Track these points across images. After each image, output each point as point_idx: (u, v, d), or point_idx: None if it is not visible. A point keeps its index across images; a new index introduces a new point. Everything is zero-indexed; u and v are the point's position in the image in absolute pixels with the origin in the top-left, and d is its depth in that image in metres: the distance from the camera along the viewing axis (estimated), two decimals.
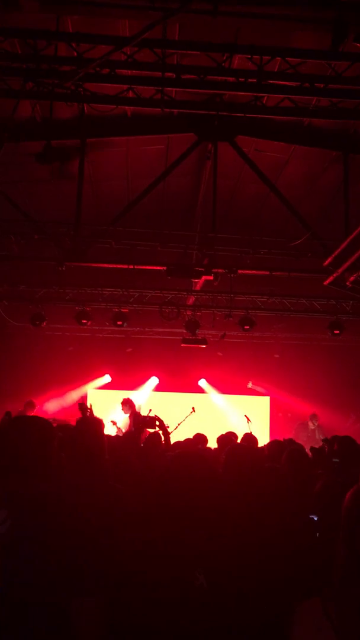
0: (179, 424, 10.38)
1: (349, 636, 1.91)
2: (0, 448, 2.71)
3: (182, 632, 2.82)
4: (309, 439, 12.30)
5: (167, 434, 6.14)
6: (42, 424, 2.80)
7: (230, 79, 6.14)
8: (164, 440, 5.92)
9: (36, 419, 2.83)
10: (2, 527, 2.39)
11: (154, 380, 15.28)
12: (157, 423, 6.30)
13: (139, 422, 6.57)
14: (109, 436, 6.08)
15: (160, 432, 6.11)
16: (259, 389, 15.52)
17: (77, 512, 2.74)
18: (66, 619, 2.48)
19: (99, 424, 3.73)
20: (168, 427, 6.21)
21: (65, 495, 2.78)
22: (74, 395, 14.66)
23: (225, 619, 2.93)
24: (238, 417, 10.92)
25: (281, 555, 3.22)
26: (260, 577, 3.08)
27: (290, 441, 7.19)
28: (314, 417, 13.74)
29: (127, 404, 11.74)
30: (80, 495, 3.01)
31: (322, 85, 6.04)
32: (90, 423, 3.75)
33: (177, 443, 6.79)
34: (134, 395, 14.87)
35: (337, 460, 6.61)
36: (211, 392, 15.33)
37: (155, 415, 6.67)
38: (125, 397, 12.06)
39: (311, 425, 13.48)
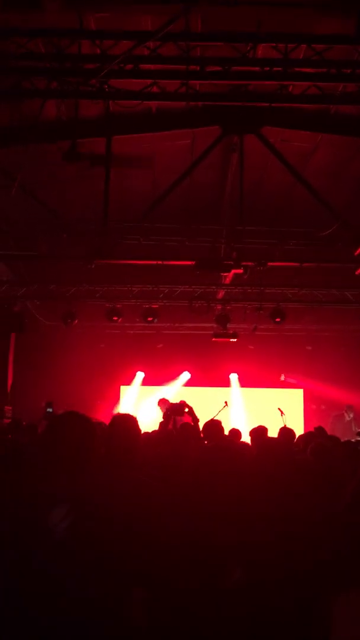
0: (212, 419, 10.37)
1: None
2: (46, 443, 2.73)
3: (221, 623, 2.82)
4: (345, 431, 12.14)
5: (196, 420, 6.13)
6: (85, 420, 2.82)
7: (255, 68, 6.07)
8: (194, 426, 5.92)
9: (79, 414, 2.84)
10: (64, 523, 2.43)
11: (185, 376, 15.28)
12: (186, 410, 6.30)
13: (167, 409, 6.58)
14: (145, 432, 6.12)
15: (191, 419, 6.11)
16: (292, 381, 15.40)
17: (123, 508, 2.76)
18: (126, 608, 2.52)
19: (134, 420, 3.75)
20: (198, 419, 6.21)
21: (107, 491, 2.80)
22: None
23: (263, 611, 2.92)
24: (271, 411, 10.83)
25: (314, 548, 3.19)
26: (294, 569, 3.06)
27: (320, 429, 7.09)
28: (349, 408, 13.53)
29: (164, 404, 11.72)
30: (117, 490, 3.03)
31: (349, 71, 5.92)
32: (125, 419, 3.76)
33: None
34: (166, 391, 14.94)
35: None
36: (243, 387, 15.25)
37: (182, 401, 6.65)
38: (161, 398, 12.03)
39: (347, 417, 13.30)
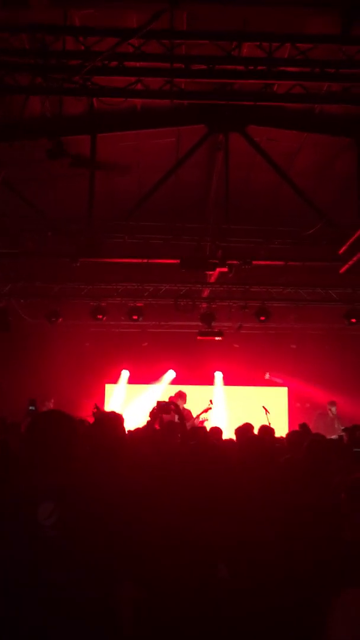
0: (197, 417, 10.40)
1: None
2: (30, 441, 2.73)
3: (207, 620, 2.83)
4: (329, 428, 12.16)
5: (182, 418, 6.12)
6: (68, 418, 2.82)
7: (240, 67, 6.08)
8: (180, 424, 5.92)
9: (62, 413, 2.84)
10: (50, 519, 2.43)
11: (171, 374, 15.28)
12: (172, 407, 6.28)
13: (154, 408, 6.56)
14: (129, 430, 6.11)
15: (176, 417, 6.11)
16: (276, 379, 15.45)
17: (110, 504, 2.77)
18: (111, 605, 2.52)
19: (118, 418, 3.74)
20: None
21: (93, 488, 2.80)
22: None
23: (248, 608, 2.93)
24: (256, 409, 10.87)
25: (300, 547, 3.20)
26: (281, 568, 3.07)
27: (304, 426, 7.14)
28: (332, 403, 13.47)
29: (181, 397, 11.67)
30: (101, 487, 3.04)
31: (333, 71, 5.95)
32: (109, 418, 3.76)
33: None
34: (153, 390, 14.94)
35: (358, 449, 6.58)
36: (228, 385, 15.28)
37: (171, 398, 6.65)
38: (179, 390, 11.96)
39: (330, 413, 13.25)
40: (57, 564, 2.40)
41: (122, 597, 2.65)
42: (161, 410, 6.34)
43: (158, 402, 6.66)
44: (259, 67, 5.94)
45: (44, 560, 2.41)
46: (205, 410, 10.83)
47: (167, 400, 10.39)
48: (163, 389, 15.09)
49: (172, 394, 11.84)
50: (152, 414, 6.38)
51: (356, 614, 1.98)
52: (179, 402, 11.44)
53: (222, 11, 5.73)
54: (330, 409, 13.35)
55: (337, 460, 5.21)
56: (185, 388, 14.94)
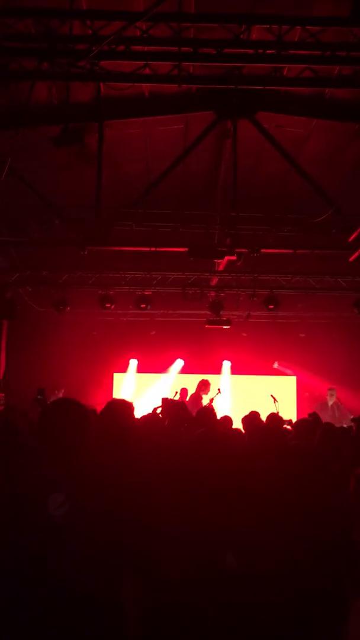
0: (204, 406, 10.37)
1: None
2: (42, 430, 2.71)
3: (215, 610, 2.81)
4: (329, 417, 11.94)
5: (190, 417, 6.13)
6: (81, 407, 2.80)
7: (249, 51, 5.98)
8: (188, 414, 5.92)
9: (74, 401, 2.81)
10: (62, 508, 2.41)
11: (179, 363, 15.27)
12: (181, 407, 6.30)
13: (164, 408, 6.55)
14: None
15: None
16: (284, 369, 15.40)
17: (120, 493, 2.75)
18: (118, 598, 2.51)
19: (128, 406, 3.73)
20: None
21: (100, 478, 2.79)
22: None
23: (256, 597, 2.91)
24: (264, 398, 10.84)
25: (309, 536, 3.17)
26: (289, 559, 3.04)
27: (314, 414, 7.09)
28: (331, 391, 13.22)
29: (205, 386, 11.63)
30: (111, 477, 3.03)
31: (344, 54, 5.85)
32: (118, 406, 3.74)
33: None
34: (162, 379, 14.93)
35: None
36: (236, 374, 15.24)
37: (180, 399, 6.67)
38: (204, 379, 11.94)
39: (329, 401, 12.99)
40: (66, 555, 2.39)
41: (129, 589, 2.64)
42: (167, 407, 6.36)
43: (163, 399, 6.67)
44: (268, 51, 5.85)
45: (53, 551, 2.39)
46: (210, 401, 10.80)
47: (175, 394, 10.46)
48: (172, 378, 15.08)
49: (189, 385, 11.78)
50: (163, 412, 6.39)
51: None
52: (202, 392, 11.44)
53: None
54: (329, 396, 13.07)
55: (346, 450, 5.18)
56: (193, 377, 14.97)
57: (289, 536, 3.06)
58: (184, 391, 12.05)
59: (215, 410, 7.54)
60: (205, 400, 11.24)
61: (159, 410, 6.75)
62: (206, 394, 11.51)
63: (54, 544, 2.40)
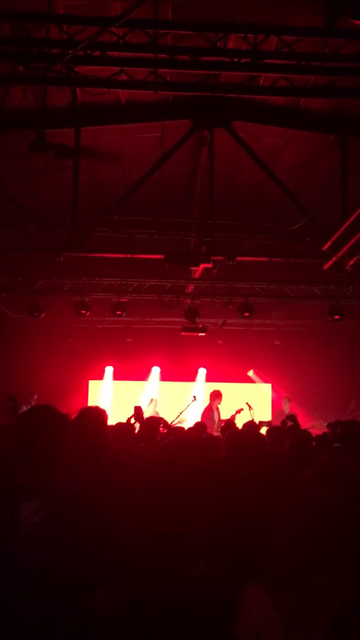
0: (180, 413, 10.36)
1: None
2: (19, 437, 2.67)
3: (185, 618, 2.80)
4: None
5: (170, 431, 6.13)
6: (58, 414, 2.76)
7: (225, 59, 6.03)
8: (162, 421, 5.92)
9: (51, 408, 2.78)
10: (35, 517, 2.37)
11: (156, 370, 15.24)
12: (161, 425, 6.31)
13: (143, 423, 6.54)
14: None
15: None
16: (256, 378, 15.46)
17: (94, 502, 2.72)
18: (89, 610, 2.47)
19: (102, 413, 3.70)
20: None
21: (76, 484, 2.76)
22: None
23: (227, 603, 2.90)
24: (240, 405, 10.88)
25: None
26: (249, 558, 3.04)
27: (293, 417, 7.13)
28: (286, 399, 13.20)
29: (217, 397, 11.58)
30: (86, 483, 3.00)
31: (318, 63, 5.93)
32: (92, 413, 3.71)
33: (178, 431, 6.73)
34: (145, 388, 14.87)
35: (338, 445, 6.59)
36: (212, 381, 15.25)
37: (160, 418, 6.68)
38: (216, 390, 11.89)
39: (285, 410, 12.96)
40: (36, 565, 2.35)
41: (102, 597, 2.61)
42: (139, 416, 6.35)
43: (136, 407, 6.66)
44: (244, 60, 5.90)
45: (22, 560, 2.35)
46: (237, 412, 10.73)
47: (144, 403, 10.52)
48: (153, 386, 15.06)
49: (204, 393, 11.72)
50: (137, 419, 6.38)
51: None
52: (215, 402, 11.41)
53: (208, 2, 5.69)
54: (284, 405, 13.03)
55: (318, 456, 5.21)
56: (169, 384, 14.96)
57: (259, 540, 3.05)
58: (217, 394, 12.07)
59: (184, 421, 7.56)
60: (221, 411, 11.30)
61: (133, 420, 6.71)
62: (219, 404, 11.53)
63: (24, 554, 2.36)
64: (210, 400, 11.44)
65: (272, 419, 11.67)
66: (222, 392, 12.38)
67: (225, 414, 11.15)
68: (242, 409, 10.22)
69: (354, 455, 5.26)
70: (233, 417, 10.25)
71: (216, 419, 11.46)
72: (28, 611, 2.31)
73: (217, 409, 11.39)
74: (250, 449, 3.90)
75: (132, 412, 6.68)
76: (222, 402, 12.16)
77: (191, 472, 3.22)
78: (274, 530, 1.86)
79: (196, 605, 2.84)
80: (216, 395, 11.47)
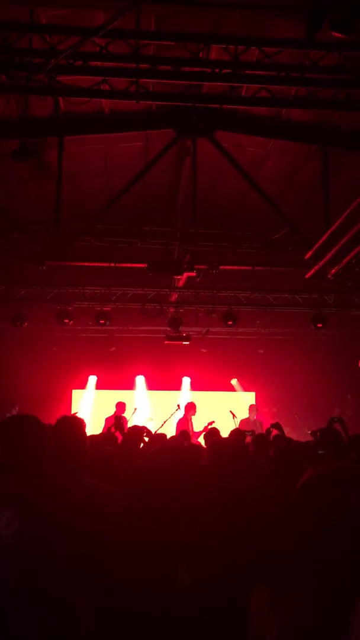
0: (164, 422, 10.35)
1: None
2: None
3: (168, 626, 2.78)
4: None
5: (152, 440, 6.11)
6: (38, 423, 2.75)
7: (206, 69, 6.09)
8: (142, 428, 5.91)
9: (31, 417, 2.76)
10: (11, 527, 2.34)
11: (140, 379, 15.21)
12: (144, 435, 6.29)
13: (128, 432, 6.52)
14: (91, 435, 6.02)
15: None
16: (238, 387, 15.48)
17: (74, 511, 2.70)
18: (73, 616, 2.44)
19: (80, 422, 3.68)
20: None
21: (55, 494, 2.74)
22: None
23: (209, 611, 2.89)
24: (224, 414, 10.88)
25: (264, 547, 3.18)
26: (243, 570, 3.04)
27: (277, 425, 7.11)
28: (253, 408, 13.12)
29: (192, 409, 11.52)
30: (65, 493, 2.98)
31: (298, 75, 6.01)
32: (71, 422, 3.69)
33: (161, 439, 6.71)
34: (129, 397, 14.81)
35: (322, 452, 6.60)
36: (196, 390, 15.26)
37: (144, 427, 6.67)
38: (190, 402, 11.83)
39: (251, 418, 12.86)
40: (14, 575, 2.33)
41: (83, 609, 2.58)
42: (118, 425, 6.34)
43: (116, 417, 6.65)
44: (225, 70, 5.96)
45: (2, 569, 2.33)
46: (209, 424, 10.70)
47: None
48: (141, 395, 15.02)
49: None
50: (114, 426, 6.36)
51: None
52: (190, 413, 11.37)
53: (190, 14, 5.75)
54: (251, 415, 12.95)
55: (301, 463, 5.22)
56: (153, 393, 14.93)
57: (240, 548, 3.06)
58: (120, 405, 12.03)
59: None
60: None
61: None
62: (193, 415, 11.48)
63: (2, 564, 2.34)
64: (186, 411, 11.43)
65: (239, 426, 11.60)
66: (206, 400, 12.35)
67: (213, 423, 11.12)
68: (213, 422, 10.22)
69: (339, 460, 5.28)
70: (205, 428, 10.24)
71: (190, 430, 11.44)
72: (7, 621, 2.29)
73: (190, 419, 11.38)
74: (233, 457, 3.91)
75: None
76: (207, 410, 12.13)
77: (175, 480, 3.22)
78: (280, 533, 1.90)
79: (179, 615, 2.83)
80: (191, 407, 11.46)
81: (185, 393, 15.02)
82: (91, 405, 14.93)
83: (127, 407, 12.08)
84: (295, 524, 1.95)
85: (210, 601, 2.83)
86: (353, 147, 8.61)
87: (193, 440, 9.64)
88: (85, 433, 3.71)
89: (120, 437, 6.18)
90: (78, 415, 6.16)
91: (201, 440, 9.32)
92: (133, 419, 11.55)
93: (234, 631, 2.81)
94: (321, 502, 1.83)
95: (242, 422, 12.39)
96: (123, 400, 12.24)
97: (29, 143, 6.98)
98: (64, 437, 3.44)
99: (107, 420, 11.51)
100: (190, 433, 10.98)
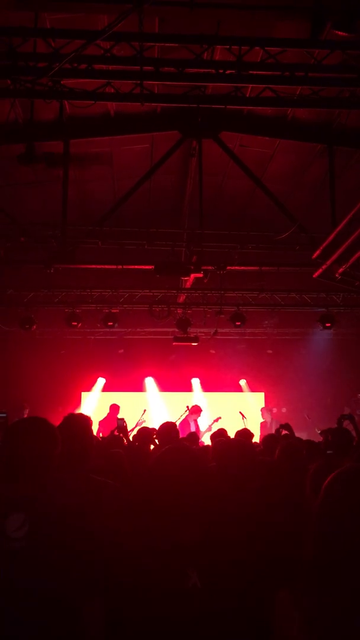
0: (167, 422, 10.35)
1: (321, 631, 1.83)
2: (6, 448, 2.65)
3: (178, 631, 2.77)
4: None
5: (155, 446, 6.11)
6: (49, 425, 2.75)
7: (210, 70, 6.09)
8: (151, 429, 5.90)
9: (42, 419, 2.77)
10: (20, 531, 2.35)
11: (149, 381, 15.20)
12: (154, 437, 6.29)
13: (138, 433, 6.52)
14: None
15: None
16: (246, 388, 15.44)
17: (84, 513, 2.70)
18: (80, 621, 2.44)
19: (86, 421, 3.68)
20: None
21: (64, 497, 2.74)
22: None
23: (221, 616, 2.88)
24: (233, 415, 10.87)
25: (274, 547, 3.17)
26: (255, 572, 3.02)
27: (287, 427, 7.10)
28: (267, 410, 13.06)
29: (196, 412, 11.54)
30: (74, 495, 2.98)
31: (302, 74, 5.99)
32: (77, 420, 3.69)
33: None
34: (139, 399, 14.82)
35: (331, 452, 6.57)
36: (205, 391, 15.23)
37: (153, 429, 6.68)
38: (196, 405, 11.87)
39: (267, 420, 12.82)
40: (26, 578, 2.33)
41: (92, 614, 2.58)
42: (122, 429, 6.34)
43: (118, 420, 6.66)
44: (229, 71, 5.96)
45: (12, 574, 2.33)
46: (215, 420, 10.78)
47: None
48: (152, 397, 15.02)
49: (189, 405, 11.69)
50: (117, 429, 6.37)
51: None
52: (193, 416, 11.39)
53: (192, 16, 5.74)
54: (266, 416, 12.90)
55: (309, 463, 5.20)
56: (163, 395, 14.92)
57: (251, 550, 3.05)
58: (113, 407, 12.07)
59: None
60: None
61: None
62: (197, 418, 11.50)
63: (12, 567, 2.34)
64: (189, 413, 11.45)
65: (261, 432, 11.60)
66: (215, 401, 12.34)
67: (220, 424, 11.11)
68: (219, 418, 10.28)
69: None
70: (209, 427, 10.24)
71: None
72: (17, 625, 2.29)
73: (195, 421, 11.39)
74: (239, 458, 3.89)
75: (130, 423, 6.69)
76: (217, 411, 12.11)
77: (183, 482, 3.21)
78: (301, 536, 1.91)
79: (189, 619, 2.82)
80: (195, 410, 11.46)
81: (198, 394, 14.99)
82: (96, 407, 14.92)
83: (130, 409, 12.09)
84: (316, 525, 1.94)
85: (224, 607, 2.81)
86: (359, 145, 8.58)
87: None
88: (91, 430, 3.72)
89: (125, 440, 6.18)
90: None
91: (207, 440, 9.32)
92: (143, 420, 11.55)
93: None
94: (346, 503, 1.82)
95: (262, 425, 12.39)
96: (117, 403, 12.26)
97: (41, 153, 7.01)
98: (71, 435, 3.45)
99: (100, 423, 11.54)
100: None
